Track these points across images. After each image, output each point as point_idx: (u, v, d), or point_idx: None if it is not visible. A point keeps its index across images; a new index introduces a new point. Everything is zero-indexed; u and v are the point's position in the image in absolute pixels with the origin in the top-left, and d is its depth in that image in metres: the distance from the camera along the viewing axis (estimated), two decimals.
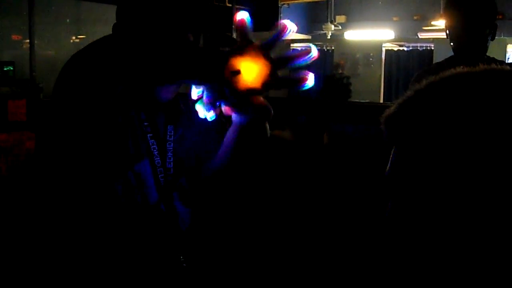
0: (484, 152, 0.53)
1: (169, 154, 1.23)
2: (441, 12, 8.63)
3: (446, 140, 0.55)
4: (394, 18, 10.32)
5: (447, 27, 1.94)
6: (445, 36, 1.97)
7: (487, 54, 1.91)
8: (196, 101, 0.92)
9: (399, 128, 0.61)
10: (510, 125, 0.53)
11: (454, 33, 1.90)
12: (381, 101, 8.15)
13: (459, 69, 0.60)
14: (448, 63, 1.97)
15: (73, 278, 1.12)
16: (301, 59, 0.86)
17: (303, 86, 0.85)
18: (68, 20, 6.16)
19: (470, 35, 1.85)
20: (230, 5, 6.90)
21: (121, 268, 1.14)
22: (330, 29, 9.46)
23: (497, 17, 1.92)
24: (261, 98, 0.89)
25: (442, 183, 0.55)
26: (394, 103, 0.62)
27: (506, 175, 0.53)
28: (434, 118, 0.57)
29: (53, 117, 1.07)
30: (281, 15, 9.68)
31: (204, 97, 0.89)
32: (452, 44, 1.93)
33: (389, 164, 0.64)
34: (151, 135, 1.20)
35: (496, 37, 1.92)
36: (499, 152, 0.53)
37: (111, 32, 1.11)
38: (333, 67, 7.96)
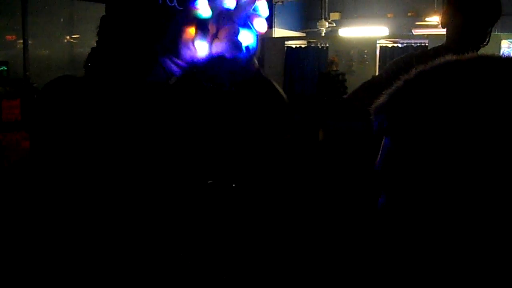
0: (478, 140, 0.52)
1: None
2: (436, 8, 8.64)
3: (439, 129, 0.54)
4: (388, 15, 10.33)
5: (444, 23, 1.85)
6: (439, 32, 1.93)
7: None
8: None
9: (389, 118, 0.59)
10: (505, 113, 0.52)
11: (453, 31, 1.81)
12: None
13: (448, 57, 0.59)
14: (435, 51, 1.90)
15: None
16: None
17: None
18: (61, 20, 6.13)
19: (471, 36, 1.77)
20: None
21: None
22: (324, 26, 9.45)
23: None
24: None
25: (437, 174, 0.54)
26: (383, 93, 0.61)
27: (505, 167, 0.51)
28: (426, 107, 0.55)
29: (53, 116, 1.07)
30: (275, 12, 9.67)
31: None
32: (448, 37, 1.84)
33: (379, 157, 0.62)
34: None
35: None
36: (495, 140, 0.51)
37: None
38: (327, 64, 7.95)
